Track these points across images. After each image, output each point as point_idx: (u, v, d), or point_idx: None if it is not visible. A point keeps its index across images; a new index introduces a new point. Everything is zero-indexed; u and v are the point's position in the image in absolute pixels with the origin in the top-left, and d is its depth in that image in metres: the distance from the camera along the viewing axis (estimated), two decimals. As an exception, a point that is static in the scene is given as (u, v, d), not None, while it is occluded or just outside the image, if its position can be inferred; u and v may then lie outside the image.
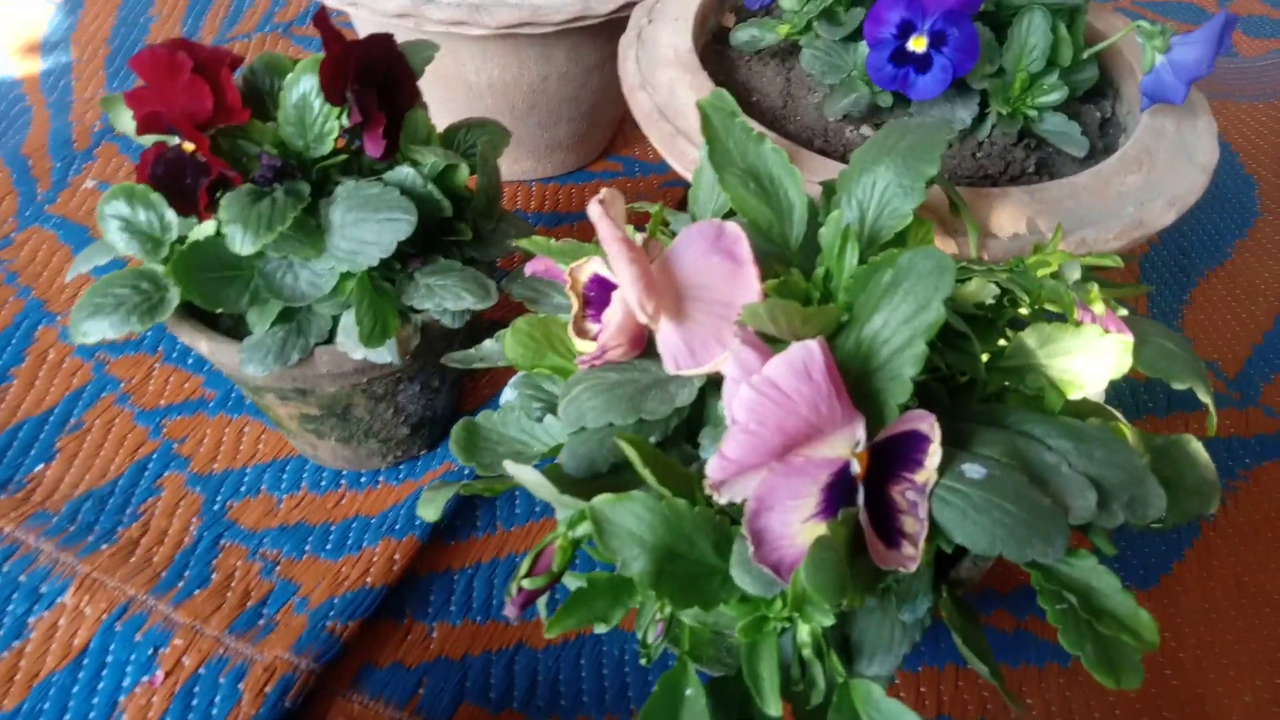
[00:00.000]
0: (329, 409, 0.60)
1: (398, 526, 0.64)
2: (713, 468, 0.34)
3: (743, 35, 0.68)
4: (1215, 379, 0.79)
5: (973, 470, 0.39)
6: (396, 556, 0.62)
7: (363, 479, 0.68)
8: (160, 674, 0.56)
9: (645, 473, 0.36)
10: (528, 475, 0.38)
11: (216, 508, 0.66)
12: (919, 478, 0.38)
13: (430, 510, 0.41)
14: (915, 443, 0.38)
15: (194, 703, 0.55)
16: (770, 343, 0.42)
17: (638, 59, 0.67)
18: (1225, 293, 0.87)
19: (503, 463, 0.48)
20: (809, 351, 0.34)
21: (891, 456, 0.38)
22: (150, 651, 0.57)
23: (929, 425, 0.37)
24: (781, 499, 0.36)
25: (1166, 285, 0.87)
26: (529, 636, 0.60)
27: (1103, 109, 0.67)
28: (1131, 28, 0.60)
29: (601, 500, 0.36)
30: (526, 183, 0.95)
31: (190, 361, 0.75)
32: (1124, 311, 0.47)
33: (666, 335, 0.43)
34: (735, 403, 0.34)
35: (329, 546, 0.63)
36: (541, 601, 0.41)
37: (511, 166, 0.94)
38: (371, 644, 0.59)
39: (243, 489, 0.67)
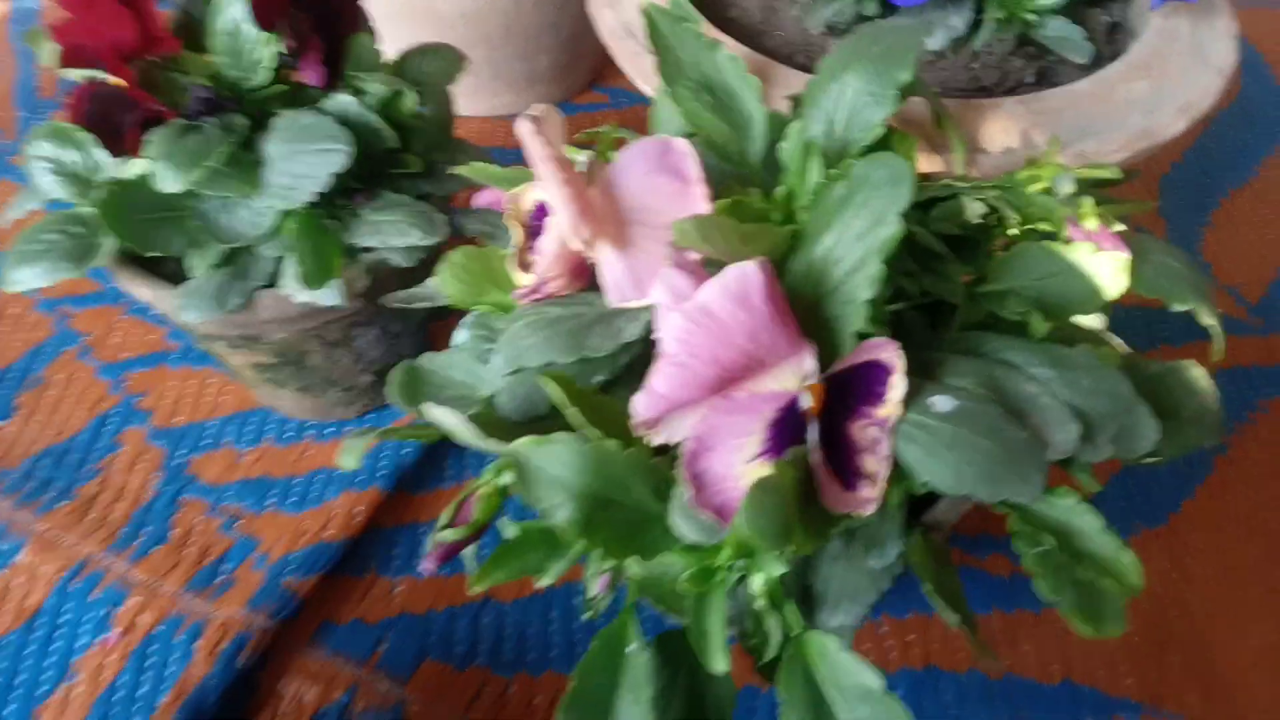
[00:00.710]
0: (282, 357, 0.58)
1: (360, 478, 0.61)
2: (640, 404, 0.31)
3: (717, -55, 0.63)
4: (1236, 305, 0.74)
5: (941, 403, 0.35)
6: (358, 509, 0.59)
7: (328, 430, 0.65)
8: (115, 633, 0.55)
9: (571, 412, 0.33)
10: (445, 417, 0.35)
11: (177, 463, 0.64)
12: (881, 412, 0.34)
13: (349, 458, 0.38)
14: (876, 374, 0.34)
15: (149, 662, 0.53)
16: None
17: (603, -26, 0.62)
18: (1251, 213, 0.81)
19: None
20: (745, 274, 0.30)
21: (851, 390, 0.34)
22: (106, 610, 0.56)
23: (891, 354, 0.34)
24: (723, 438, 0.33)
25: (1187, 205, 0.82)
26: (497, 590, 0.58)
27: (1111, 12, 0.61)
28: (1138, -83, 0.54)
29: (523, 443, 0.33)
30: (507, 117, 0.91)
31: (153, 313, 0.72)
32: (1121, 227, 0.43)
33: (609, 264, 0.39)
34: (665, 332, 0.31)
35: (291, 500, 0.61)
36: (469, 552, 0.38)
37: (491, 100, 0.90)
38: (332, 600, 0.57)
39: (204, 443, 0.65)
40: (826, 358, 0.34)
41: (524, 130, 0.37)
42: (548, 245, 0.39)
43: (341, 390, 0.62)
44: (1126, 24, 0.62)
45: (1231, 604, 0.57)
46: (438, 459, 0.64)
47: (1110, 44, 0.60)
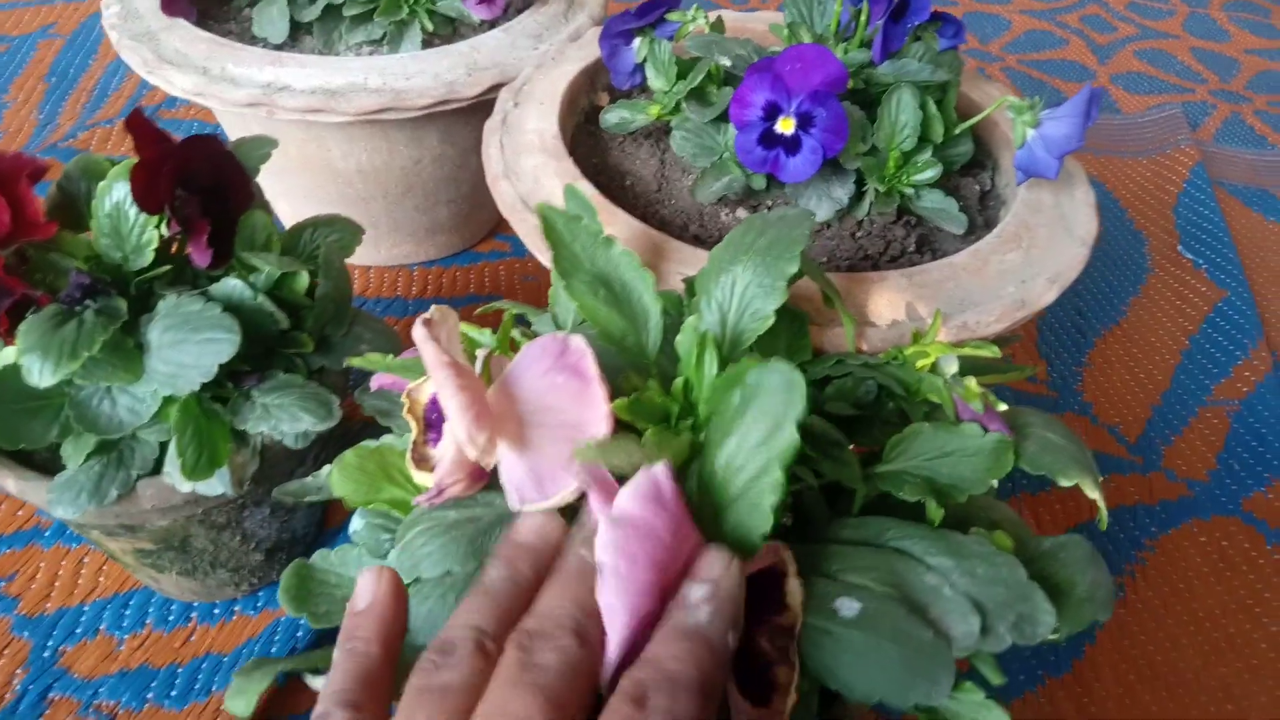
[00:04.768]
0: (164, 543, 0.54)
1: (251, 666, 0.57)
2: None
3: (612, 117, 0.65)
4: (1117, 444, 0.78)
5: (846, 607, 0.35)
6: (248, 702, 0.56)
7: (216, 610, 0.62)
8: None
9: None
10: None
11: (47, 655, 0.59)
12: (785, 620, 0.34)
13: (241, 703, 0.36)
14: (774, 579, 0.34)
15: None
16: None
17: (502, 145, 0.64)
18: (1123, 353, 0.86)
19: (341, 614, 0.43)
20: (654, 477, 0.31)
21: (755, 598, 0.34)
22: (-43, 837, 0.50)
23: (782, 557, 0.34)
24: None
25: (1064, 348, 0.86)
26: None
27: (981, 181, 0.65)
28: (1000, 103, 0.58)
29: None
30: (408, 267, 0.91)
31: (26, 485, 0.68)
32: (1003, 406, 0.45)
33: (509, 466, 0.38)
34: (599, 547, 0.30)
35: (174, 693, 0.57)
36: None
37: (391, 250, 0.90)
38: (218, 808, 0.53)
39: (79, 630, 0.60)
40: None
41: (418, 335, 0.37)
42: (446, 451, 0.38)
43: (229, 571, 0.59)
44: (997, 191, 0.66)
45: (1137, 754, 0.58)
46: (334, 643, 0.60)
47: (983, 210, 0.64)
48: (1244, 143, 1.15)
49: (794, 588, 0.33)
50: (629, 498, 0.31)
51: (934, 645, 0.35)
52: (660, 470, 0.32)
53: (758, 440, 0.34)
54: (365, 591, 0.33)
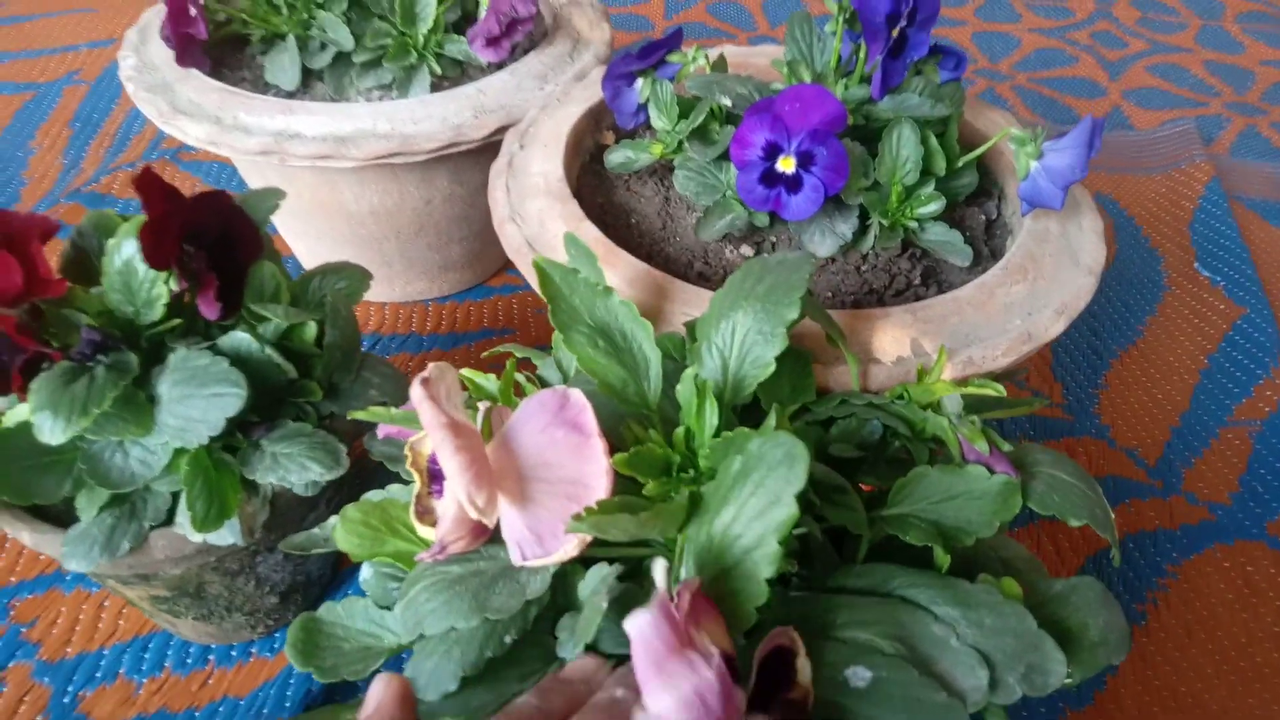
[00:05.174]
0: (179, 589, 0.55)
1: (266, 711, 0.58)
2: None
3: (617, 157, 0.65)
4: (1136, 467, 0.77)
5: (857, 676, 0.35)
6: (263, 749, 0.56)
7: (233, 652, 0.62)
8: None
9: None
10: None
11: (67, 700, 0.60)
12: (795, 695, 0.34)
13: None
14: (784, 659, 0.34)
15: None
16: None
17: (508, 188, 0.64)
18: (1140, 374, 0.85)
19: (348, 667, 0.44)
20: (704, 685, 0.29)
21: (768, 681, 0.34)
22: None
23: (790, 638, 0.34)
24: None
25: (1080, 370, 0.86)
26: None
27: (987, 211, 0.65)
28: (1003, 134, 0.58)
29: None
30: (423, 303, 0.92)
31: (47, 532, 0.69)
32: (1008, 447, 0.44)
33: (510, 522, 0.39)
34: None
35: (191, 739, 0.57)
36: None
37: (405, 287, 0.91)
38: None
39: (98, 675, 0.61)
40: (733, 629, 0.34)
41: (416, 395, 0.37)
42: (448, 509, 0.38)
43: (245, 614, 0.60)
44: (1004, 220, 0.65)
45: (1161, 792, 0.57)
46: (348, 684, 0.61)
47: (989, 240, 0.64)
48: (1260, 155, 1.14)
49: (804, 665, 0.33)
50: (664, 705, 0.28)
51: (946, 708, 0.34)
52: (710, 681, 0.29)
53: (756, 510, 0.34)
54: (371, 700, 0.33)
